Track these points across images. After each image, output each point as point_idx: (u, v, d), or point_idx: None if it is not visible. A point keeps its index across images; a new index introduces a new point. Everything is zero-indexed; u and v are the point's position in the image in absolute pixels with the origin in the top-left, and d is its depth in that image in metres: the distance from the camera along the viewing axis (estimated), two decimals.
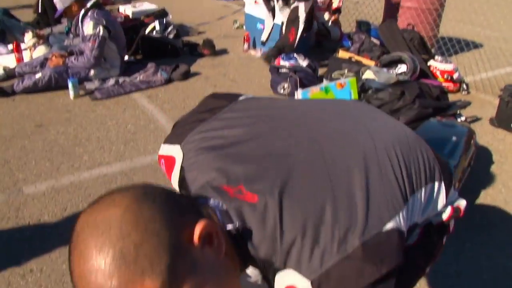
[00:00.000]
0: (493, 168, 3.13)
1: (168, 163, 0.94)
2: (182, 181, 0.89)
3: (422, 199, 0.90)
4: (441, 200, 0.97)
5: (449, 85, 4.27)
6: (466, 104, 3.47)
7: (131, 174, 2.91)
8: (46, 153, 3.15)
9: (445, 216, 1.02)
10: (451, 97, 3.83)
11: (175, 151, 0.92)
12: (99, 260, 0.59)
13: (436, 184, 0.95)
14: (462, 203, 1.05)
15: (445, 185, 0.97)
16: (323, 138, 0.86)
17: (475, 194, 2.82)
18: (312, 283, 0.70)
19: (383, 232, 0.74)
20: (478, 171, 3.02)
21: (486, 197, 2.80)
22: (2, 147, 3.20)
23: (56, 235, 2.37)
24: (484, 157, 3.25)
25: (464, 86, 4.34)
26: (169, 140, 0.97)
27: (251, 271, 1.10)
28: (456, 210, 1.03)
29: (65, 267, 2.16)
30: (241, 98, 1.01)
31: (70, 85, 3.95)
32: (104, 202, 0.65)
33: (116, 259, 0.59)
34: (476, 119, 3.80)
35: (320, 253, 0.71)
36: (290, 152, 0.82)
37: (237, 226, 0.75)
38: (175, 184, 0.93)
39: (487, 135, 3.56)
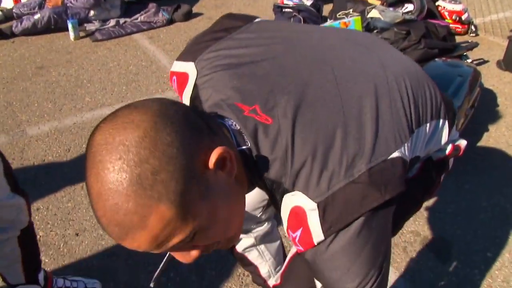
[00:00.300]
0: (498, 111, 3.11)
1: (181, 79, 0.93)
2: (194, 98, 0.89)
3: (427, 134, 0.90)
4: (444, 137, 0.98)
5: (457, 27, 4.15)
6: (473, 46, 3.38)
7: None
8: (48, 94, 3.14)
9: (445, 152, 1.03)
10: (459, 39, 3.74)
11: (188, 67, 0.91)
12: (117, 183, 0.59)
13: (441, 121, 0.95)
14: (462, 142, 1.06)
15: (448, 123, 0.97)
16: (337, 65, 0.85)
17: (478, 136, 2.82)
18: (318, 206, 0.72)
19: (388, 160, 0.76)
20: (482, 113, 3.00)
21: (488, 139, 2.80)
22: (4, 90, 3.19)
23: (61, 174, 2.40)
24: (489, 99, 3.22)
25: (473, 27, 4.22)
26: (183, 57, 0.95)
27: (257, 192, 1.12)
28: (456, 148, 1.04)
29: (70, 205, 2.20)
30: (256, 20, 0.99)
31: (70, 26, 3.88)
32: (122, 121, 0.62)
33: (133, 183, 0.59)
34: (483, 62, 3.73)
35: (328, 177, 0.72)
36: (304, 76, 0.81)
37: (249, 146, 0.75)
38: (186, 102, 0.93)
39: (493, 78, 3.50)
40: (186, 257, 0.73)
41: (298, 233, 0.76)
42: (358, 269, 0.76)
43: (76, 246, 1.99)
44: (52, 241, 2.01)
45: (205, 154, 0.66)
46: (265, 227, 1.43)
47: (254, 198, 1.30)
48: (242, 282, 1.84)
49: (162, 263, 0.94)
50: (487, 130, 2.89)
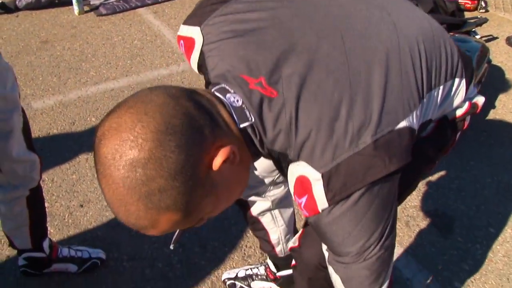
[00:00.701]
0: (505, 88, 3.08)
1: (188, 44, 0.92)
2: (201, 66, 0.88)
3: (439, 97, 0.88)
4: (460, 97, 0.95)
5: (467, 2, 4.08)
6: (482, 21, 3.32)
7: (138, 89, 2.90)
8: (53, 68, 3.14)
9: (461, 111, 1.00)
10: (468, 16, 3.68)
11: (194, 32, 0.90)
12: (127, 197, 0.64)
13: (457, 80, 0.92)
14: (480, 99, 1.03)
15: (466, 81, 0.94)
16: (346, 30, 0.82)
17: (484, 112, 2.79)
18: (322, 176, 0.73)
19: (395, 131, 0.75)
20: (490, 89, 2.97)
21: (495, 116, 2.78)
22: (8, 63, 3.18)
23: (66, 147, 2.41)
24: (497, 76, 3.18)
25: (483, 3, 4.14)
26: (189, 21, 0.94)
27: (262, 161, 1.12)
28: (473, 105, 1.01)
29: (75, 177, 2.22)
30: None
31: (74, 0, 3.85)
32: (127, 137, 0.62)
33: (142, 199, 0.64)
34: (492, 38, 3.67)
35: (332, 148, 0.73)
36: (311, 43, 0.79)
37: (252, 122, 0.75)
38: (194, 67, 0.92)
39: (502, 55, 3.46)
40: (196, 225, 0.77)
41: (304, 199, 0.77)
42: (359, 234, 0.77)
43: (80, 217, 2.01)
44: (57, 212, 2.03)
45: (208, 157, 0.68)
46: (282, 190, 1.43)
47: (270, 161, 1.29)
48: (245, 254, 1.86)
49: None
50: (494, 107, 2.86)
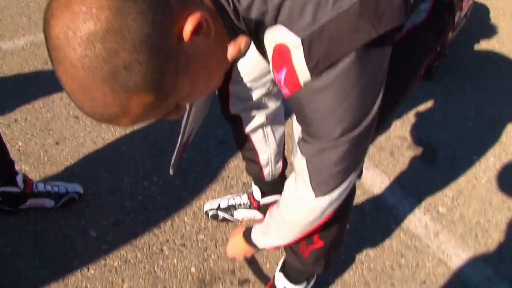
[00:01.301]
0: (490, 25, 3.04)
1: None
2: None
3: None
4: None
5: None
6: None
7: None
8: (22, 9, 2.99)
9: None
10: None
11: None
12: (90, 80, 0.56)
13: None
14: None
15: None
16: None
17: (469, 49, 2.76)
18: (302, 42, 0.65)
19: None
20: (475, 26, 2.92)
21: (479, 51, 2.74)
22: None
23: (39, 87, 2.31)
24: (481, 13, 3.13)
25: None
26: None
27: (252, 68, 1.03)
28: None
29: (49, 116, 2.14)
30: None
31: None
32: (79, 9, 0.54)
33: (106, 79, 0.56)
34: None
35: (313, 8, 0.64)
36: None
37: None
38: None
39: None
40: (174, 115, 0.70)
41: (283, 73, 0.69)
42: (343, 112, 0.70)
43: (56, 155, 1.94)
44: (32, 150, 1.96)
45: (177, 26, 0.60)
46: (275, 103, 1.35)
47: (262, 66, 1.21)
48: (227, 184, 1.82)
49: (176, 148, 0.89)
50: (478, 42, 2.82)
